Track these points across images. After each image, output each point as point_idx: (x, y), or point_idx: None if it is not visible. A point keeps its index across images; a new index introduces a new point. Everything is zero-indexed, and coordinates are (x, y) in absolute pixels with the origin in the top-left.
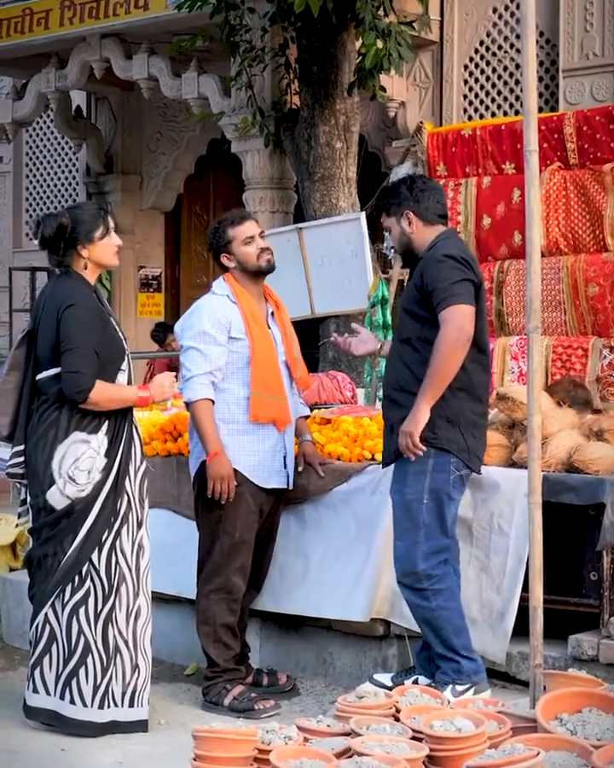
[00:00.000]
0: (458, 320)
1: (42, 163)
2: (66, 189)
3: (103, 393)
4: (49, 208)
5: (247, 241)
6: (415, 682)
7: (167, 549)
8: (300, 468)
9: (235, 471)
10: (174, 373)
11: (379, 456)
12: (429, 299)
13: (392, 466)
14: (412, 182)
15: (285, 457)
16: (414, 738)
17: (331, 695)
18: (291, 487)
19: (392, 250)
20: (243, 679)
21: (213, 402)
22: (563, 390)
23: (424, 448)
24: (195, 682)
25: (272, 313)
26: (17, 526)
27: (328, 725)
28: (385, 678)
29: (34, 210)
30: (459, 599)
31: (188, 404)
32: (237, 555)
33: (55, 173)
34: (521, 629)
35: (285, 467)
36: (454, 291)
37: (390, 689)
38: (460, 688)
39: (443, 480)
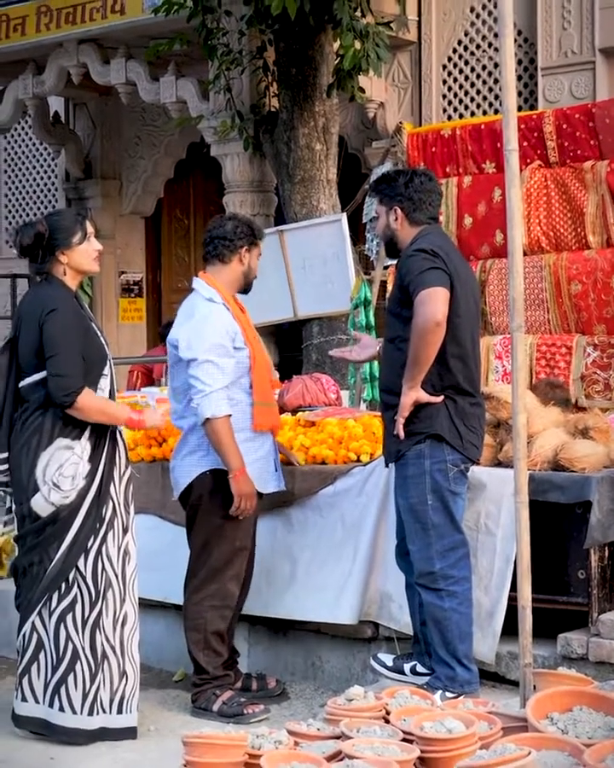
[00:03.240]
0: (428, 302)
1: (20, 169)
2: (46, 195)
3: (91, 401)
4: (28, 215)
5: (259, 257)
6: (413, 668)
7: (153, 555)
8: None
9: None
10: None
11: (364, 458)
12: (408, 298)
13: (391, 466)
14: (411, 178)
15: (275, 461)
16: (404, 740)
17: (320, 699)
18: (284, 489)
19: (376, 250)
20: (232, 684)
21: (230, 416)
22: (541, 393)
23: (403, 434)
24: (184, 688)
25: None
26: (2, 534)
27: (318, 729)
28: (388, 659)
29: (13, 217)
30: (471, 605)
31: (207, 420)
32: (235, 562)
33: (34, 179)
34: (510, 628)
35: (276, 469)
36: (423, 278)
37: (390, 668)
38: (449, 695)
39: (443, 478)
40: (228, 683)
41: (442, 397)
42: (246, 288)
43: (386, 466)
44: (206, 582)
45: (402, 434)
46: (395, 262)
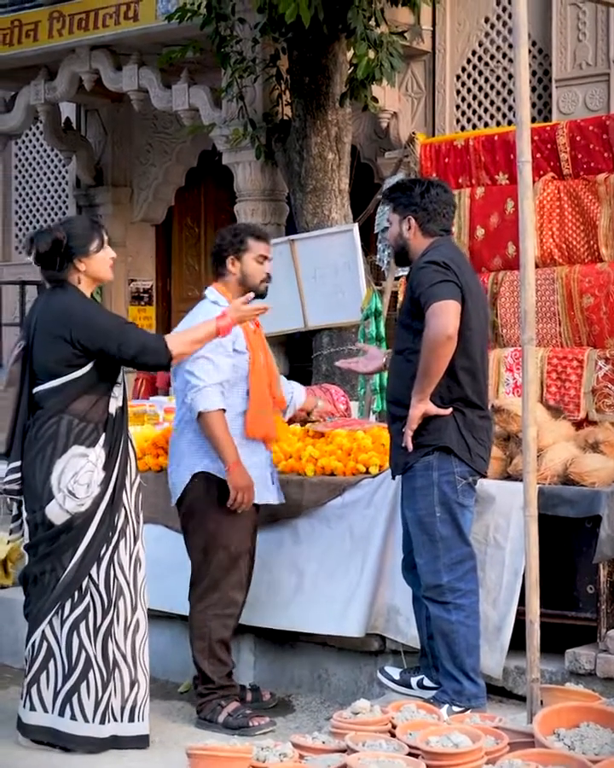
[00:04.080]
0: (440, 315)
1: (31, 176)
2: (56, 202)
3: (180, 344)
4: (38, 221)
5: (260, 260)
6: (420, 682)
7: (159, 564)
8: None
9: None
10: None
11: (373, 470)
12: (419, 310)
13: (398, 479)
14: (427, 188)
15: (272, 473)
16: (410, 754)
17: (326, 712)
18: (283, 501)
19: (387, 261)
20: (238, 695)
21: (224, 411)
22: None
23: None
24: (189, 699)
25: (253, 330)
26: (8, 542)
27: (324, 742)
28: (395, 672)
29: (23, 223)
30: (478, 619)
31: (200, 414)
32: (235, 570)
33: (45, 186)
34: (518, 643)
35: (273, 483)
36: (435, 290)
37: (397, 681)
38: (456, 709)
39: (451, 490)
40: (234, 694)
41: (450, 409)
42: (254, 293)
43: (392, 478)
44: (209, 590)
45: (410, 446)
46: (406, 272)
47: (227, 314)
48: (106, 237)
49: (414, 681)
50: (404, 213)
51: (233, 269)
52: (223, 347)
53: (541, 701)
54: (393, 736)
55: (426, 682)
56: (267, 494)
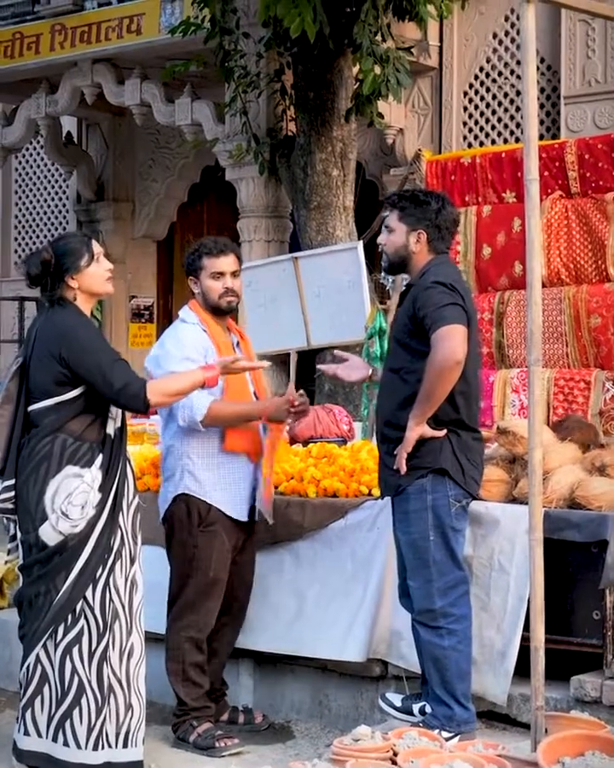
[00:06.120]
0: (449, 340)
1: (31, 190)
2: (56, 217)
3: (160, 391)
4: (38, 237)
5: (215, 276)
6: (423, 709)
7: (159, 587)
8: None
9: (210, 507)
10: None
11: (375, 492)
12: (419, 329)
13: (390, 501)
14: (443, 206)
15: (254, 489)
16: None
17: (326, 738)
18: (257, 519)
19: (392, 279)
20: (211, 716)
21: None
22: (577, 431)
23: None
24: None
25: (237, 343)
26: (6, 562)
27: None
28: (396, 699)
29: (23, 239)
30: (471, 644)
31: (204, 421)
32: (210, 594)
33: (45, 201)
34: (522, 669)
35: (254, 498)
36: (443, 313)
37: (398, 708)
38: (446, 734)
39: (445, 513)
40: (208, 715)
41: (445, 431)
42: (216, 310)
43: (381, 498)
44: (183, 613)
45: (403, 469)
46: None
47: (216, 369)
48: (98, 250)
49: (416, 708)
50: (415, 226)
51: (195, 288)
52: (193, 360)
53: (546, 729)
54: (394, 763)
55: (429, 709)
56: (246, 511)
